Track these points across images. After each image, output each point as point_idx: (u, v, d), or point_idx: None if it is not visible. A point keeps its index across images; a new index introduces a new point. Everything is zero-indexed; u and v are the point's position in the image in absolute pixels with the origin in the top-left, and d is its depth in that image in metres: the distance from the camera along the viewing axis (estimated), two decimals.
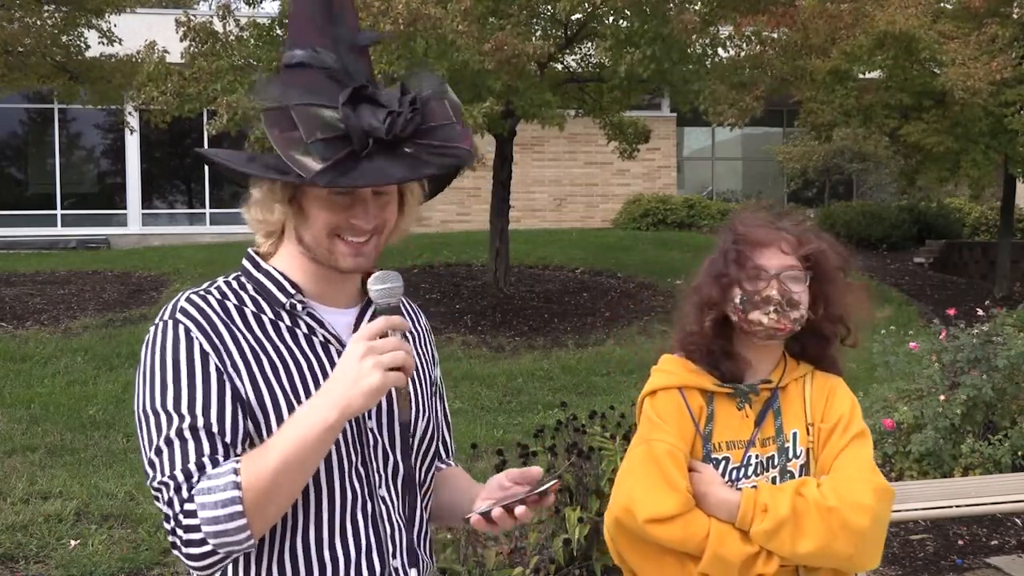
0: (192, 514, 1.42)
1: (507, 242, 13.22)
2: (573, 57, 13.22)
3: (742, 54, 12.65)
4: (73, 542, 5.30)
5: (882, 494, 1.94)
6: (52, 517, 5.61)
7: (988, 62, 12.08)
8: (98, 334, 10.71)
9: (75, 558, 5.06)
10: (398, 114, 1.48)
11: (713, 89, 11.70)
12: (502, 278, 13.16)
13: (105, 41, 13.22)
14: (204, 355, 1.49)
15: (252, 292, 1.60)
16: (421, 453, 1.71)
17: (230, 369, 1.50)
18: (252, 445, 1.50)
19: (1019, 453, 5.82)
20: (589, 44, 13.04)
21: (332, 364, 1.58)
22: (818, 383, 2.10)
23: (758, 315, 2.01)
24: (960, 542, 5.36)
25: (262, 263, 1.63)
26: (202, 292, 1.59)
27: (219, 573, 1.54)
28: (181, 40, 11.76)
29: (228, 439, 1.47)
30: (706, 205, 21.27)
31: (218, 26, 12.04)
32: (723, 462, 2.03)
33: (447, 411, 1.88)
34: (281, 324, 1.58)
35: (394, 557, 1.62)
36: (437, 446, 1.77)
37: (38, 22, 12.52)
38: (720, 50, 12.49)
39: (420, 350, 1.76)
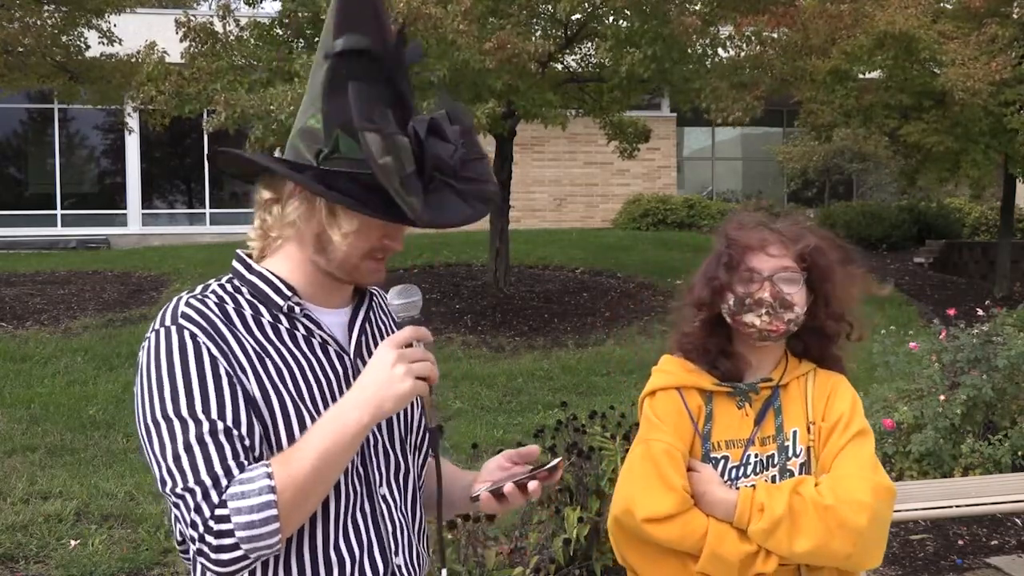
0: (224, 519, 1.40)
1: (507, 242, 13.22)
2: (573, 57, 13.22)
3: (742, 54, 12.65)
4: (73, 542, 5.30)
5: (881, 492, 1.93)
6: (52, 517, 5.61)
7: (988, 62, 12.08)
8: (98, 334, 10.72)
9: (75, 558, 5.06)
10: (456, 148, 1.50)
11: (716, 86, 11.69)
12: (502, 278, 13.16)
13: (105, 41, 13.22)
14: (213, 359, 1.47)
15: (248, 295, 1.58)
16: (417, 448, 1.73)
17: (238, 372, 1.49)
18: (267, 447, 1.49)
19: (1019, 453, 5.82)
20: (589, 44, 13.04)
21: (331, 365, 1.59)
22: (820, 381, 2.10)
23: (751, 317, 2.02)
24: (960, 542, 5.36)
25: (254, 265, 1.61)
26: (200, 296, 1.56)
27: None
28: (181, 40, 11.77)
29: (248, 442, 1.46)
30: (706, 205, 21.27)
31: (218, 26, 12.05)
32: (722, 461, 2.04)
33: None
34: (280, 327, 1.57)
35: (396, 555, 1.63)
36: (426, 439, 1.79)
37: (38, 22, 12.52)
38: (720, 50, 12.49)
39: None
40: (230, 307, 1.55)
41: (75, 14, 12.76)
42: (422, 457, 1.75)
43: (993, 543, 5.36)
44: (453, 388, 9.14)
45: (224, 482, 1.42)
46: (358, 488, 1.59)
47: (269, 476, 1.42)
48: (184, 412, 1.44)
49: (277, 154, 1.79)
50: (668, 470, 1.97)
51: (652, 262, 15.11)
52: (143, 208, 20.88)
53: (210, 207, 21.11)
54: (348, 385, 1.59)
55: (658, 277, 13.92)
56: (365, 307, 1.70)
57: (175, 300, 1.56)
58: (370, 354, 1.64)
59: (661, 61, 11.30)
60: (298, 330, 1.58)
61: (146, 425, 1.47)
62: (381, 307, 1.76)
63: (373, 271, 1.61)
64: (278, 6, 12.43)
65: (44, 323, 11.22)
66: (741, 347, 2.09)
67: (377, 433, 1.62)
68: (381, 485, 1.62)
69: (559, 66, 12.91)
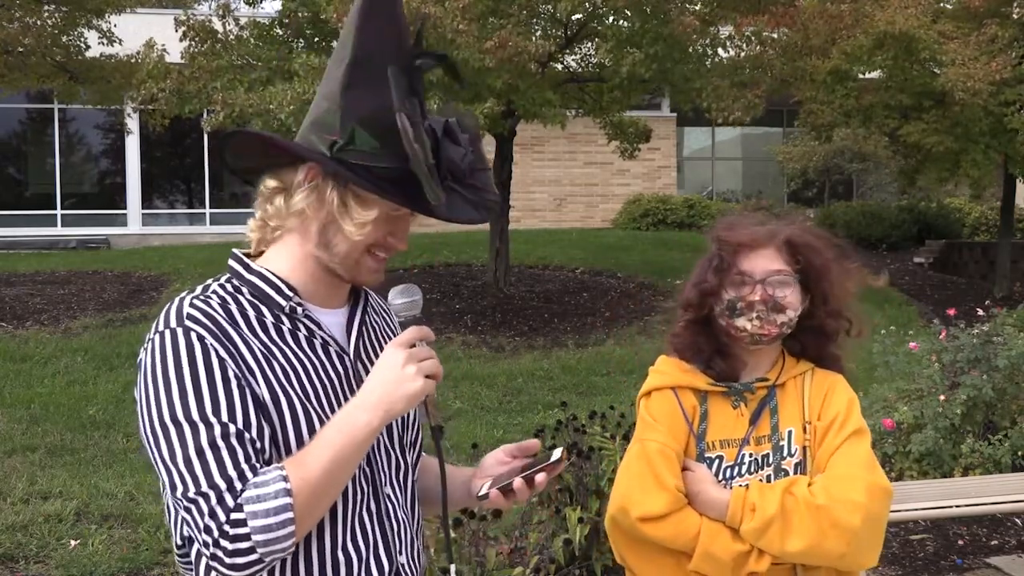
0: (241, 523, 1.39)
1: (507, 242, 13.23)
2: (573, 57, 13.22)
3: (742, 54, 12.65)
4: (73, 542, 5.30)
5: (876, 492, 1.93)
6: (52, 517, 5.61)
7: (988, 62, 12.08)
8: (98, 334, 10.72)
9: (75, 558, 5.06)
10: (466, 154, 1.53)
11: (717, 85, 11.69)
12: (502, 278, 13.16)
13: (105, 41, 13.22)
14: (221, 361, 1.46)
15: (248, 295, 1.57)
16: (412, 445, 1.73)
17: (247, 374, 1.48)
18: (275, 450, 1.49)
19: (1019, 453, 5.82)
20: (589, 44, 13.04)
21: (333, 366, 1.59)
22: (817, 380, 2.10)
23: (743, 322, 2.02)
24: (960, 542, 5.36)
25: (253, 265, 1.60)
26: (203, 297, 1.54)
27: None
28: (181, 40, 11.77)
29: (259, 445, 1.45)
30: (706, 205, 21.27)
31: (217, 25, 12.05)
32: (717, 461, 2.04)
33: None
34: (283, 327, 1.57)
35: (400, 554, 1.63)
36: (419, 436, 1.79)
37: (38, 22, 12.52)
38: (720, 50, 12.49)
39: None
40: (233, 308, 1.54)
41: (75, 14, 12.76)
42: (415, 454, 1.75)
43: (993, 543, 5.36)
44: (453, 388, 9.14)
45: (238, 486, 1.40)
46: (364, 488, 1.59)
47: (284, 479, 1.42)
48: (195, 415, 1.42)
49: None
50: (662, 469, 1.98)
51: (652, 262, 15.11)
52: (143, 208, 20.88)
53: (210, 207, 21.11)
54: (350, 386, 1.59)
55: (658, 277, 13.92)
56: (361, 307, 1.70)
57: (177, 301, 1.54)
58: (368, 355, 1.65)
59: (662, 61, 11.30)
60: (300, 331, 1.58)
61: (153, 429, 1.45)
62: (374, 308, 1.76)
63: (373, 270, 1.61)
64: (278, 6, 12.45)
65: (44, 323, 11.22)
66: (736, 348, 2.09)
67: (381, 433, 1.62)
68: (385, 484, 1.63)
69: (559, 66, 12.92)
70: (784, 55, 12.52)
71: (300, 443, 1.49)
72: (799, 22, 12.24)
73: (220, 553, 1.40)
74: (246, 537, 1.39)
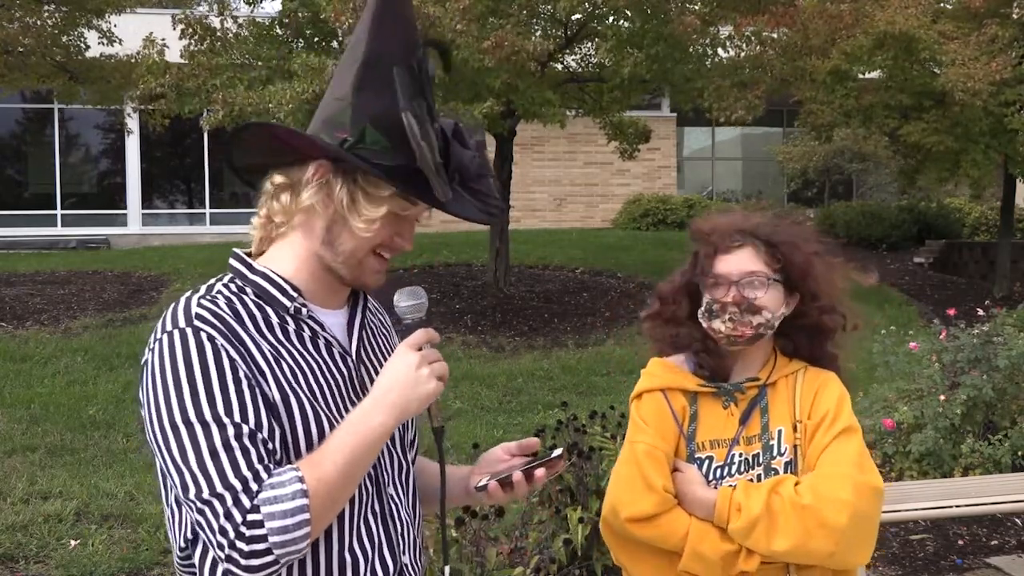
0: (257, 524, 1.38)
1: (507, 242, 13.22)
2: (573, 57, 13.22)
3: (742, 54, 12.65)
4: (73, 542, 5.30)
5: (864, 490, 1.92)
6: (52, 517, 5.61)
7: (988, 62, 12.07)
8: (98, 334, 10.71)
9: (75, 558, 5.06)
10: (474, 157, 1.56)
11: (718, 85, 11.69)
12: (502, 278, 13.16)
13: (105, 41, 13.22)
14: (232, 362, 1.45)
15: (252, 296, 1.56)
16: (410, 445, 1.74)
17: (257, 375, 1.47)
18: (284, 451, 1.49)
19: (1019, 453, 5.82)
20: (589, 44, 13.04)
21: (337, 366, 1.59)
22: (809, 379, 2.10)
23: (718, 323, 2.03)
24: (960, 542, 5.36)
25: (255, 265, 1.60)
26: (209, 297, 1.53)
27: None
28: (180, 37, 11.77)
29: (271, 446, 1.45)
30: (706, 205, 21.25)
31: (216, 24, 12.05)
32: (707, 461, 2.05)
33: None
34: (288, 327, 1.56)
35: (404, 553, 1.64)
36: (416, 437, 1.80)
37: (38, 22, 12.53)
38: (720, 50, 12.49)
39: (391, 349, 1.77)
40: (240, 308, 1.53)
41: (75, 14, 12.77)
42: (414, 454, 1.77)
43: (993, 543, 5.36)
44: (453, 388, 9.13)
45: (254, 487, 1.39)
46: (369, 489, 1.59)
47: (300, 479, 1.41)
48: (207, 416, 1.41)
49: None
50: (650, 471, 1.99)
51: (652, 262, 15.11)
52: (143, 208, 20.88)
53: (210, 207, 21.11)
54: (352, 386, 1.60)
55: (658, 277, 13.75)
56: (361, 308, 1.70)
57: (183, 301, 1.53)
58: (368, 356, 1.66)
59: (663, 61, 11.30)
60: (304, 331, 1.58)
61: (163, 430, 1.44)
62: (371, 309, 1.76)
63: (376, 271, 1.62)
64: (277, 6, 12.45)
65: (44, 323, 11.22)
66: (721, 348, 2.10)
67: None
68: (388, 485, 1.63)
69: (559, 66, 12.92)
70: (784, 55, 12.52)
71: (309, 444, 1.49)
72: (799, 22, 12.24)
73: (236, 555, 1.39)
74: (263, 538, 1.38)
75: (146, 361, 1.49)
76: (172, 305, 1.54)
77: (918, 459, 5.86)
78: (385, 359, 1.70)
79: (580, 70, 13.26)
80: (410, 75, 1.52)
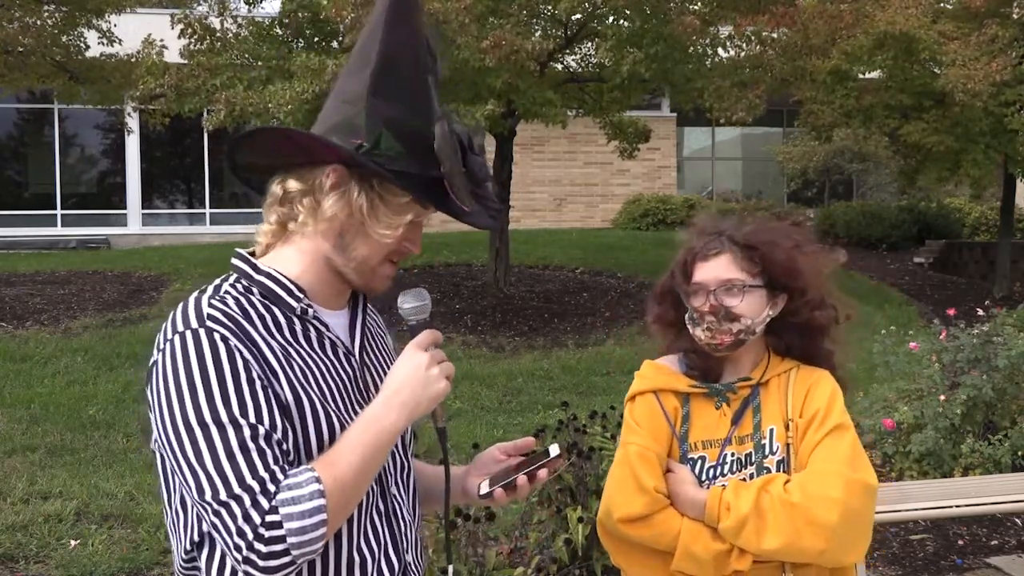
0: (276, 525, 1.38)
1: (507, 242, 13.22)
2: (573, 57, 13.22)
3: (742, 54, 12.65)
4: (73, 542, 5.30)
5: (854, 488, 1.92)
6: (52, 517, 5.60)
7: (988, 63, 12.07)
8: (98, 334, 10.71)
9: (75, 558, 5.06)
10: (483, 164, 1.58)
11: (719, 85, 11.69)
12: (502, 278, 13.16)
13: (105, 41, 13.22)
14: (246, 362, 1.45)
15: (259, 296, 1.56)
16: (409, 445, 1.75)
17: (269, 376, 1.47)
18: (295, 451, 1.49)
19: (1019, 453, 5.82)
20: (589, 44, 13.04)
21: (342, 367, 1.59)
22: (801, 377, 2.10)
23: (699, 331, 2.06)
24: (960, 542, 5.36)
25: (261, 265, 1.59)
26: (219, 297, 1.52)
27: None
28: (179, 37, 11.77)
29: (284, 447, 1.45)
30: (706, 205, 21.25)
31: (216, 23, 12.05)
32: (699, 461, 2.06)
33: None
34: (296, 328, 1.56)
35: (407, 552, 1.65)
36: (414, 437, 1.81)
37: (38, 22, 12.52)
38: (720, 50, 12.49)
39: (387, 350, 1.78)
40: (249, 309, 1.53)
41: (75, 14, 12.76)
42: (412, 454, 1.77)
43: (993, 543, 5.36)
44: (453, 388, 8.95)
45: (271, 488, 1.39)
46: (374, 488, 1.60)
47: (317, 480, 1.41)
48: (223, 417, 1.41)
49: None
50: (641, 472, 2.01)
51: (652, 262, 15.10)
52: (143, 208, 20.88)
53: (210, 207, 21.11)
54: (356, 387, 1.60)
55: (658, 277, 13.84)
56: (362, 309, 1.70)
57: (193, 302, 1.52)
58: (370, 356, 1.67)
59: (663, 61, 11.29)
60: (310, 332, 1.58)
61: (176, 431, 1.42)
62: (368, 310, 1.76)
63: (387, 276, 1.63)
64: (277, 5, 12.45)
65: (44, 323, 11.22)
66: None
67: None
68: (391, 485, 1.64)
69: (559, 66, 12.91)
70: (784, 55, 12.52)
71: (320, 445, 1.49)
72: (799, 22, 12.23)
73: (254, 556, 1.38)
74: (281, 539, 1.38)
75: (155, 362, 1.48)
76: (180, 306, 1.53)
77: (918, 459, 5.86)
78: (384, 360, 1.71)
79: (580, 70, 13.26)
80: (435, 83, 1.55)
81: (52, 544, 5.28)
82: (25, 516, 5.61)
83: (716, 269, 2.05)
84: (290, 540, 1.38)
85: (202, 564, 1.52)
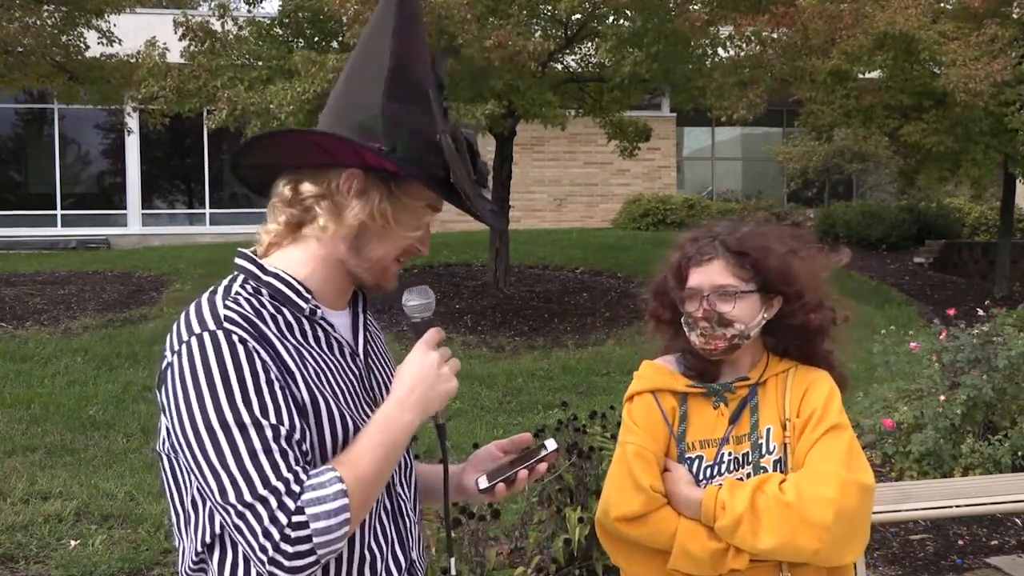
0: (303, 526, 1.38)
1: (507, 242, 13.22)
2: (573, 57, 13.22)
3: (742, 54, 12.65)
4: (73, 542, 5.30)
5: (849, 487, 1.92)
6: (52, 517, 5.60)
7: (988, 63, 12.07)
8: (98, 334, 10.71)
9: (75, 558, 5.06)
10: (485, 165, 1.62)
11: (720, 83, 11.69)
12: (502, 278, 13.16)
13: (104, 41, 13.22)
14: (264, 363, 1.44)
15: (268, 297, 1.55)
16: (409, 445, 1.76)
17: (286, 376, 1.47)
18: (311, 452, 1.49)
19: (1019, 453, 5.82)
20: (589, 44, 13.04)
21: (349, 366, 1.60)
22: (799, 378, 2.11)
23: (694, 336, 2.07)
24: (960, 542, 5.36)
25: (267, 266, 1.58)
26: (232, 298, 1.51)
27: None
28: (180, 39, 11.78)
29: (304, 447, 1.45)
30: (706, 205, 21.27)
31: (216, 25, 12.06)
32: (697, 461, 2.07)
33: None
34: (305, 329, 1.56)
35: (412, 549, 1.67)
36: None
37: (38, 22, 12.52)
38: (720, 50, 12.49)
39: (385, 349, 1.78)
40: (261, 310, 1.53)
41: (75, 14, 12.76)
42: (412, 453, 1.78)
43: (993, 543, 5.36)
44: None
45: (296, 488, 1.39)
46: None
47: (340, 479, 1.42)
48: (245, 418, 1.40)
49: None
50: (638, 471, 2.02)
51: (652, 262, 15.03)
52: (143, 208, 20.88)
53: (210, 207, 21.11)
54: (362, 386, 1.61)
55: (655, 277, 13.89)
56: (363, 309, 1.71)
57: (207, 303, 1.51)
58: (372, 355, 1.68)
59: (664, 60, 11.29)
60: (318, 333, 1.58)
61: (196, 433, 1.42)
62: (367, 309, 1.77)
63: (395, 275, 1.65)
64: (277, 4, 12.46)
65: (44, 323, 11.21)
66: None
67: None
68: (397, 483, 1.65)
69: (559, 66, 12.91)
70: (784, 55, 12.52)
71: (335, 445, 1.50)
72: (799, 22, 12.23)
73: (280, 557, 1.38)
74: (308, 539, 1.38)
75: (170, 364, 1.47)
76: (193, 307, 1.52)
77: (918, 459, 5.86)
78: (384, 359, 1.72)
79: (580, 70, 13.25)
80: (440, 92, 1.56)
81: (52, 544, 5.28)
82: (25, 516, 5.61)
83: (709, 275, 2.06)
84: (316, 540, 1.39)
85: (213, 567, 1.52)
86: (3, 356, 9.74)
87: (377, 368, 1.67)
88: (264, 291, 1.56)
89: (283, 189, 1.60)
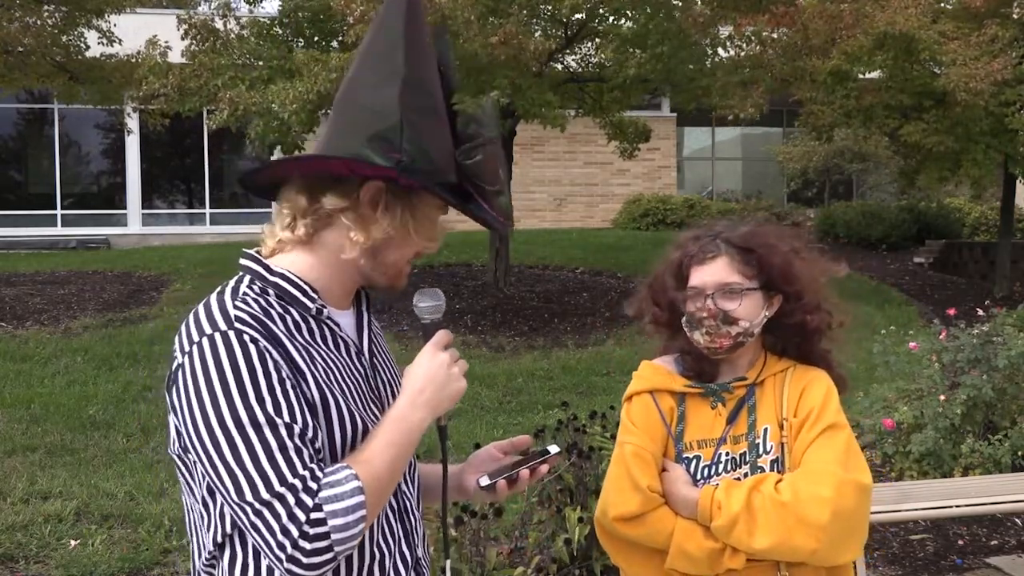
0: (321, 522, 1.39)
1: (507, 242, 13.23)
2: (573, 57, 13.22)
3: (742, 54, 12.65)
4: (73, 542, 5.30)
5: (845, 487, 1.92)
6: (52, 517, 5.61)
7: (988, 62, 12.07)
8: (98, 334, 10.71)
9: (75, 558, 5.06)
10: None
11: (724, 83, 11.68)
12: (502, 278, 13.16)
13: (105, 41, 13.23)
14: (275, 363, 1.45)
15: (274, 297, 1.56)
16: None
17: (296, 375, 1.48)
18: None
19: (1019, 453, 5.82)
20: (590, 44, 13.03)
21: (355, 366, 1.61)
22: (797, 377, 2.11)
23: (697, 335, 2.06)
24: (960, 542, 5.36)
25: (273, 266, 1.58)
26: (241, 298, 1.52)
27: None
28: (182, 38, 11.79)
29: (317, 445, 1.46)
30: (706, 205, 21.27)
31: (218, 24, 12.07)
32: (694, 461, 2.07)
33: None
34: (312, 328, 1.57)
35: (417, 547, 1.68)
36: None
37: (38, 22, 12.53)
38: (720, 50, 12.49)
39: (387, 349, 1.79)
40: (270, 310, 1.53)
41: (75, 14, 12.77)
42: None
43: (993, 543, 5.36)
44: None
45: (313, 486, 1.40)
46: None
47: (356, 477, 1.43)
48: (260, 417, 1.41)
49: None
50: (636, 471, 2.03)
51: (652, 262, 15.09)
52: (143, 208, 20.88)
53: (210, 207, 21.11)
54: (368, 384, 1.62)
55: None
56: (366, 309, 1.72)
57: (216, 304, 1.51)
58: (376, 354, 1.69)
59: (667, 60, 11.29)
60: (325, 332, 1.59)
61: (211, 432, 1.42)
62: (370, 309, 1.77)
63: (406, 276, 1.68)
64: (277, 4, 12.47)
65: (44, 323, 11.22)
66: None
67: None
68: (402, 482, 1.66)
69: (559, 66, 12.91)
70: (784, 55, 12.52)
71: (344, 443, 1.51)
72: (799, 22, 12.24)
73: (298, 554, 1.38)
74: (326, 536, 1.39)
75: (181, 365, 1.46)
76: (202, 308, 1.52)
77: (918, 459, 5.86)
78: (387, 358, 1.74)
79: (580, 70, 13.25)
80: (451, 97, 1.60)
81: (52, 544, 5.28)
82: (25, 516, 5.61)
83: (713, 272, 2.05)
84: (334, 536, 1.40)
85: (224, 565, 1.52)
86: (3, 356, 9.74)
87: (381, 367, 1.69)
88: (271, 291, 1.56)
89: (299, 199, 1.58)
